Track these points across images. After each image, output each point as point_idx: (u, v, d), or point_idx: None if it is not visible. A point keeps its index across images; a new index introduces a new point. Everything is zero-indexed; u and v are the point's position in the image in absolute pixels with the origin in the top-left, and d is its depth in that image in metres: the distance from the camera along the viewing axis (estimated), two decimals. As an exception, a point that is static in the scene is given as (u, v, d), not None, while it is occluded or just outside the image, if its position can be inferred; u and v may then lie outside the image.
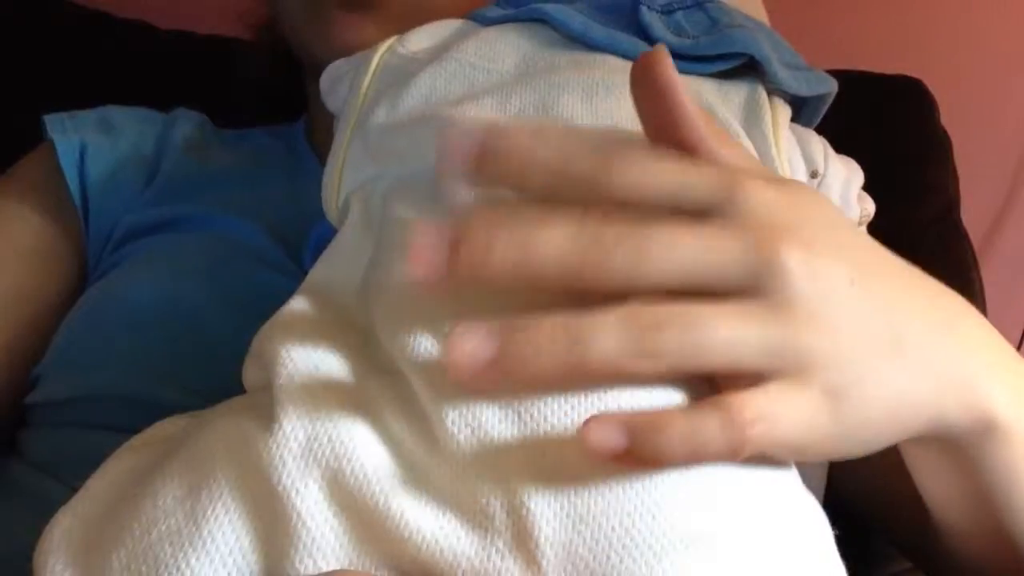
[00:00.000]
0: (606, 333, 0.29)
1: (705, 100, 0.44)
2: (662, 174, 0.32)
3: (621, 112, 0.41)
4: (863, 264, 0.33)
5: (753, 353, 0.30)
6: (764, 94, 0.45)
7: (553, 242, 0.30)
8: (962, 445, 0.36)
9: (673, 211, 0.31)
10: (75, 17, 0.90)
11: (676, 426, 0.29)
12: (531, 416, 0.30)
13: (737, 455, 0.30)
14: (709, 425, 0.29)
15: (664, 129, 0.33)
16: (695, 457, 0.30)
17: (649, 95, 0.33)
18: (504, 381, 0.29)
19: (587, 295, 0.30)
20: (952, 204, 0.84)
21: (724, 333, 0.30)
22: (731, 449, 0.30)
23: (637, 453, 0.29)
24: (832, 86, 0.49)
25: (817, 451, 0.32)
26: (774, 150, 0.43)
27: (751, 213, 0.31)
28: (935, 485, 0.40)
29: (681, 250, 0.30)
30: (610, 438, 0.29)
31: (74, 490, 0.34)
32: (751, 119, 0.44)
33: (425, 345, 0.32)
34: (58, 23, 0.89)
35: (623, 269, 0.30)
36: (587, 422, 0.29)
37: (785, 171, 0.42)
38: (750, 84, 0.46)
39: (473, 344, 0.29)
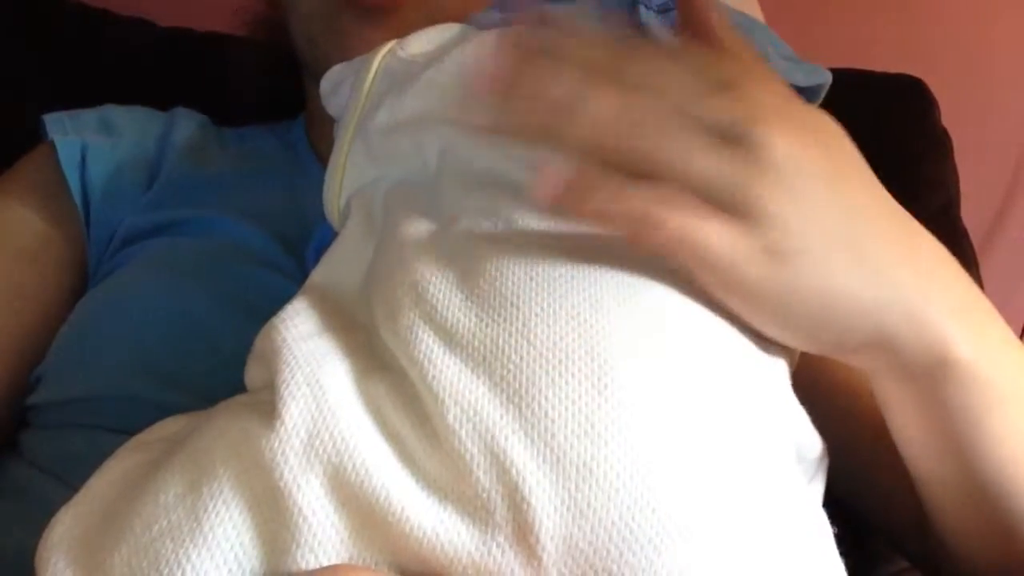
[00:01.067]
0: (606, 102, 0.33)
1: None
2: (684, 56, 0.36)
3: None
4: (845, 174, 0.36)
5: (717, 179, 0.33)
6: None
7: (600, 108, 0.34)
8: (919, 376, 0.37)
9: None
10: (74, 14, 0.90)
11: (605, 187, 0.33)
12: (532, 411, 0.30)
13: (650, 235, 0.33)
14: (634, 195, 0.33)
15: (699, 31, 0.38)
16: (611, 218, 0.33)
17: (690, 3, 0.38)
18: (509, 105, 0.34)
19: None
20: (952, 202, 0.84)
21: (700, 149, 0.33)
22: (646, 224, 0.33)
23: (568, 201, 0.33)
24: (826, 77, 0.50)
25: (744, 295, 0.34)
26: None
27: (760, 93, 0.35)
28: (903, 424, 0.40)
29: (685, 88, 0.34)
30: (552, 182, 0.33)
31: (75, 490, 0.34)
32: None
33: (427, 342, 0.32)
34: (57, 20, 0.89)
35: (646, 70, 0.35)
36: (539, 171, 0.33)
37: None
38: None
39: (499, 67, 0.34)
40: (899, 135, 0.84)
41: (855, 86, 0.81)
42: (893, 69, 0.87)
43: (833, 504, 0.37)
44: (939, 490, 0.41)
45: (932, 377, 0.37)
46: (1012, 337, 0.40)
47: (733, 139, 0.34)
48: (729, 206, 0.33)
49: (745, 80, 0.35)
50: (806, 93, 0.50)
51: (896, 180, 0.81)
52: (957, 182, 0.85)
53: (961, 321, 0.36)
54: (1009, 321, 0.40)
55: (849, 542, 0.36)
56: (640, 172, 0.33)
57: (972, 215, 0.85)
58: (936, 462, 0.40)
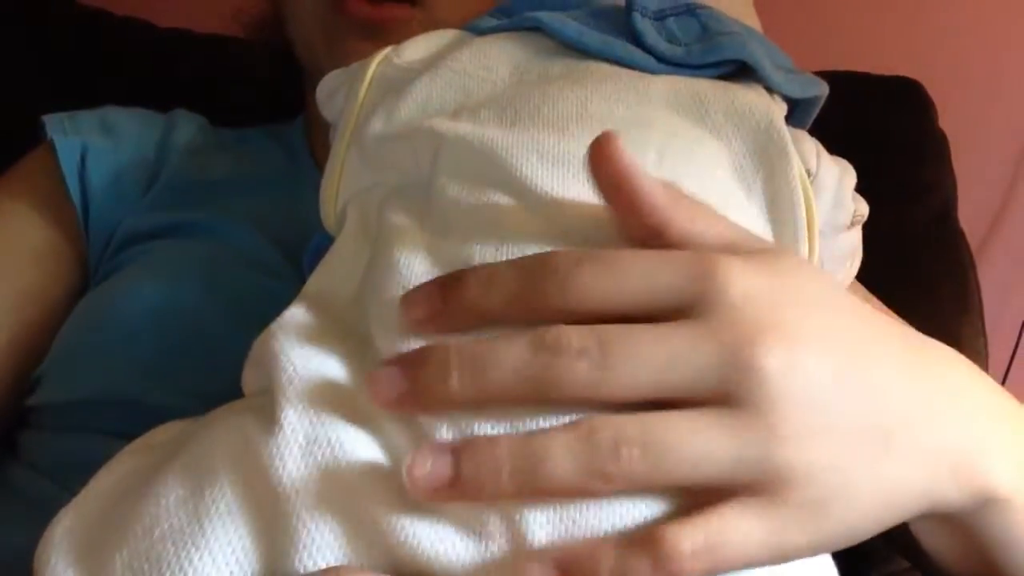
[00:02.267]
0: (563, 453, 0.28)
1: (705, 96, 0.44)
2: (626, 279, 0.30)
3: (614, 117, 0.41)
4: (850, 348, 0.32)
5: (723, 469, 0.29)
6: (764, 90, 0.46)
7: (510, 359, 0.29)
8: (961, 517, 0.35)
9: (648, 315, 0.30)
10: (74, 14, 0.90)
11: (605, 563, 0.28)
12: (522, 421, 0.31)
13: None
14: (639, 565, 0.28)
15: (628, 215, 0.33)
16: None
17: (606, 184, 0.32)
18: (463, 499, 0.29)
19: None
20: (950, 204, 0.84)
21: (691, 449, 0.28)
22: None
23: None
24: (823, 89, 0.50)
25: (792, 557, 0.30)
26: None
27: (728, 308, 0.30)
28: (935, 546, 0.39)
29: (650, 358, 0.29)
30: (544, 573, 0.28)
31: (72, 493, 0.34)
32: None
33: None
34: (57, 20, 0.89)
35: (586, 380, 0.29)
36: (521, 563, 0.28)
37: (796, 160, 0.42)
38: (746, 85, 0.46)
39: (431, 464, 0.29)
40: (897, 137, 0.84)
41: (853, 88, 0.81)
42: (891, 71, 0.87)
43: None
44: None
45: (974, 513, 0.35)
46: None
47: (722, 397, 0.29)
48: (745, 488, 0.29)
49: (703, 287, 0.30)
50: (802, 105, 0.50)
51: (894, 182, 0.82)
52: (955, 184, 0.85)
53: (998, 451, 0.35)
54: (1006, 322, 0.40)
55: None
56: (643, 486, 0.29)
57: (970, 217, 0.86)
58: (967, 570, 0.39)
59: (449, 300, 0.31)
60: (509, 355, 0.29)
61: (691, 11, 0.49)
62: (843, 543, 0.31)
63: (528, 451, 0.28)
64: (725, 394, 0.29)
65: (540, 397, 0.29)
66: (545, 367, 0.29)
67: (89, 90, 0.74)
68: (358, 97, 0.44)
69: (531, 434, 0.29)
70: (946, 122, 0.86)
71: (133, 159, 0.63)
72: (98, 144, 0.63)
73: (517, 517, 0.29)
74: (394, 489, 0.30)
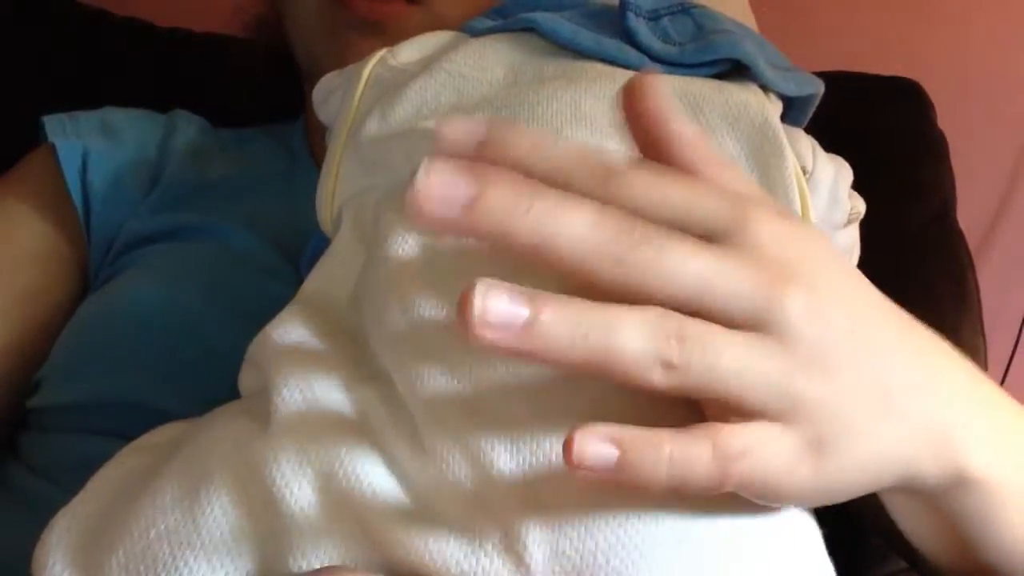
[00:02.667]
0: (634, 329, 0.28)
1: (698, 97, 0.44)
2: (671, 190, 0.30)
3: (608, 117, 0.41)
4: (861, 313, 0.33)
5: (757, 387, 0.29)
6: (759, 89, 0.46)
7: (576, 225, 0.28)
8: (935, 495, 0.36)
9: (681, 229, 0.30)
10: (73, 15, 0.90)
11: (666, 446, 0.28)
12: (517, 422, 0.31)
13: (719, 488, 0.29)
14: (699, 451, 0.28)
15: (662, 154, 0.33)
16: (679, 483, 0.28)
17: (642, 123, 0.32)
18: (522, 350, 0.27)
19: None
20: (948, 204, 0.84)
21: (736, 361, 0.29)
22: (715, 480, 0.29)
23: (623, 472, 0.27)
24: (819, 87, 0.50)
25: (790, 499, 0.31)
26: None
27: (760, 246, 0.30)
28: (912, 527, 0.40)
29: (695, 267, 0.29)
30: (598, 453, 0.27)
31: (72, 494, 0.34)
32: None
33: (413, 352, 0.33)
34: (56, 21, 0.89)
35: (639, 271, 0.28)
36: (573, 432, 0.27)
37: (791, 157, 0.42)
38: (741, 84, 0.46)
39: (500, 305, 0.27)
40: (896, 138, 0.84)
41: (852, 88, 0.81)
42: (890, 71, 0.87)
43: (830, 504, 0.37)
44: (941, 564, 0.41)
45: (947, 491, 0.36)
46: (1018, 420, 0.39)
47: (748, 324, 0.30)
48: (767, 409, 0.30)
49: (742, 222, 0.31)
50: (798, 103, 0.50)
51: (893, 182, 0.82)
52: (954, 185, 0.85)
53: (976, 433, 0.35)
54: (1006, 323, 0.40)
55: (848, 542, 0.36)
56: (692, 386, 0.29)
57: (969, 218, 0.85)
58: (944, 553, 0.40)
59: (494, 157, 0.29)
60: (576, 218, 0.28)
61: (685, 10, 0.49)
62: (836, 495, 0.32)
63: (602, 315, 0.28)
64: (755, 321, 0.30)
65: (595, 266, 0.28)
66: (611, 239, 0.28)
67: (89, 90, 0.74)
68: (354, 99, 0.44)
69: (607, 306, 0.28)
70: (945, 122, 0.86)
71: (134, 161, 0.63)
72: (99, 146, 0.63)
73: (519, 531, 0.29)
74: (387, 489, 0.30)
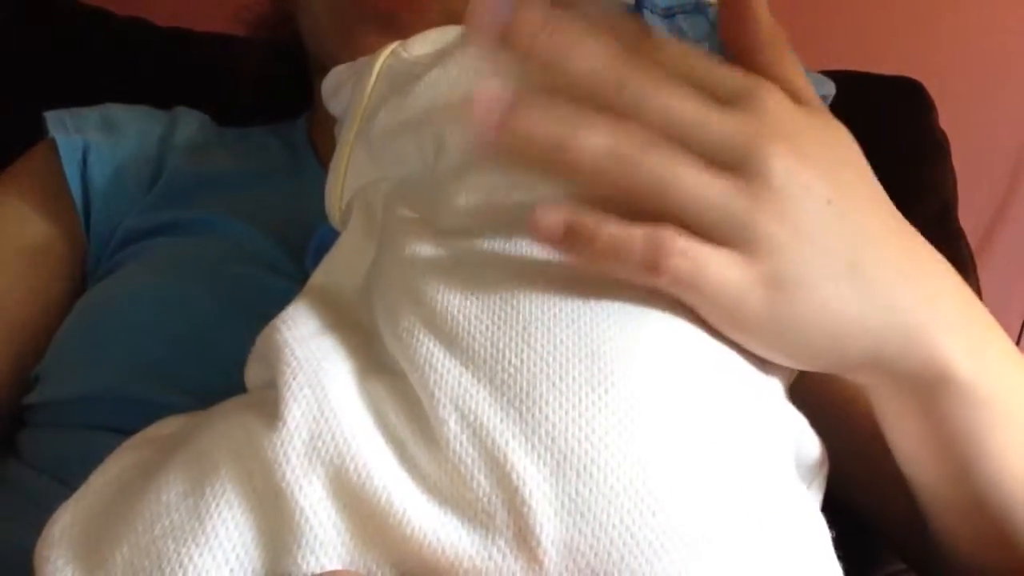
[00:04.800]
0: (600, 129, 0.32)
1: None
2: (696, 59, 0.35)
3: None
4: (847, 192, 0.35)
5: (713, 210, 0.33)
6: None
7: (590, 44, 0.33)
8: (917, 392, 0.37)
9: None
10: (75, 14, 0.90)
11: (606, 231, 0.32)
12: (532, 415, 0.30)
13: (652, 278, 0.32)
14: (635, 237, 0.32)
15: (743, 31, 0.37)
16: (614, 261, 0.32)
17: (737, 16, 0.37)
18: (508, 135, 0.32)
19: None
20: (949, 205, 0.84)
21: (697, 181, 0.33)
22: (646, 267, 0.32)
23: (569, 244, 0.32)
24: (830, 88, 0.50)
25: (745, 328, 0.34)
26: None
27: (764, 111, 0.34)
28: (902, 440, 0.40)
29: (692, 105, 0.33)
30: (552, 225, 0.32)
31: (72, 490, 0.34)
32: None
33: (427, 345, 0.32)
34: (58, 19, 0.89)
35: (637, 97, 0.33)
36: (536, 211, 0.32)
37: None
38: None
39: (496, 96, 0.32)
40: (897, 137, 0.84)
41: (853, 88, 0.81)
42: (891, 71, 0.87)
43: (830, 505, 0.37)
44: (937, 501, 0.41)
45: (931, 394, 0.36)
46: (1013, 352, 0.39)
47: (732, 165, 0.33)
48: (728, 238, 0.33)
49: (754, 93, 0.34)
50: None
51: (894, 182, 0.81)
52: (955, 184, 0.85)
53: (960, 337, 0.36)
54: (1006, 323, 0.40)
55: (847, 544, 0.36)
56: (637, 206, 0.33)
57: (970, 217, 0.86)
58: (934, 476, 0.40)
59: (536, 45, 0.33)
60: (589, 38, 0.34)
61: (700, 8, 0.49)
62: (791, 340, 0.34)
63: (573, 117, 0.33)
64: (736, 164, 0.33)
65: (601, 80, 0.33)
66: (619, 57, 0.34)
67: (89, 90, 0.73)
68: (365, 91, 0.44)
69: (579, 110, 0.33)
70: (946, 122, 0.86)
71: (135, 157, 0.63)
72: (100, 142, 0.63)
73: (524, 508, 0.29)
74: (400, 483, 0.30)
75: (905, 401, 0.38)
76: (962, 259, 0.82)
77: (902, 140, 0.84)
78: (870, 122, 0.82)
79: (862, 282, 0.34)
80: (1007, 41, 1.12)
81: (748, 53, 0.36)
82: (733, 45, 0.37)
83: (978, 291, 0.80)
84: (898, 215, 0.37)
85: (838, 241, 0.34)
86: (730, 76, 0.35)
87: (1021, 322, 1.07)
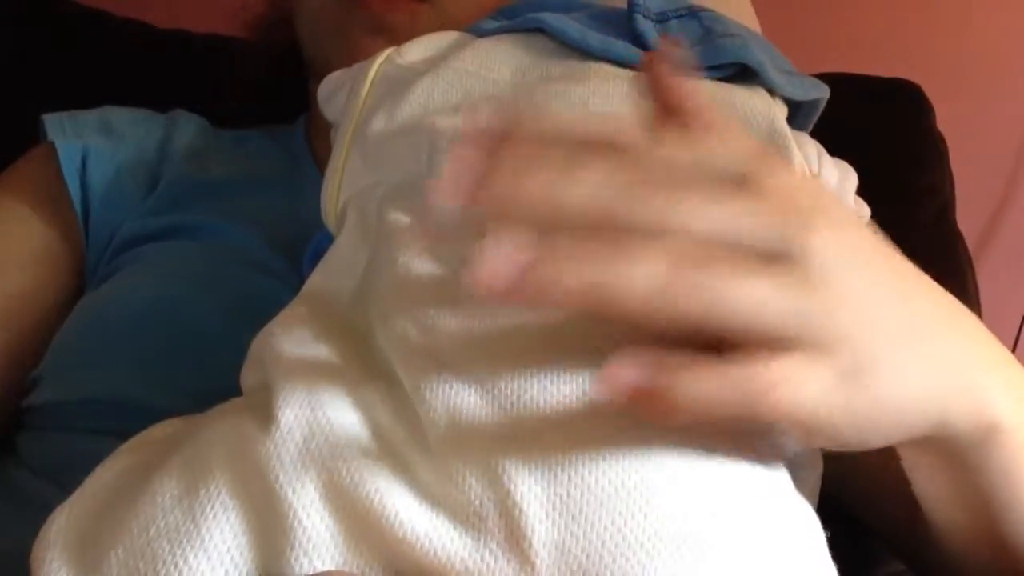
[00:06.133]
0: (650, 257, 0.28)
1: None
2: (691, 144, 0.31)
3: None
4: (879, 253, 0.33)
5: (780, 318, 0.29)
6: (765, 93, 0.46)
7: (595, 169, 0.29)
8: (962, 447, 0.35)
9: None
10: (74, 16, 0.90)
11: (703, 369, 0.28)
12: (523, 418, 0.31)
13: (756, 416, 0.29)
14: (736, 375, 0.28)
15: (683, 114, 0.33)
16: (717, 407, 0.28)
17: (661, 88, 0.33)
18: (534, 295, 0.28)
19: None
20: (947, 206, 0.84)
21: (757, 291, 0.29)
22: (752, 407, 0.28)
23: (660, 394, 0.28)
24: (824, 92, 0.50)
25: (825, 434, 0.31)
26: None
27: (781, 189, 0.31)
28: (932, 487, 0.39)
29: (719, 204, 0.30)
30: (633, 375, 0.28)
31: (70, 492, 0.34)
32: None
33: (420, 351, 0.33)
34: (57, 21, 0.89)
35: (661, 204, 0.29)
36: (610, 366, 0.27)
37: (799, 158, 0.43)
38: (748, 87, 0.46)
39: (508, 252, 0.27)
40: (895, 139, 0.84)
41: (852, 90, 0.81)
42: (889, 73, 0.87)
43: (829, 504, 0.37)
44: (957, 535, 0.41)
45: (976, 447, 0.35)
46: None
47: (772, 256, 0.30)
48: (795, 341, 0.29)
49: (756, 169, 0.31)
50: (804, 108, 0.50)
51: (892, 184, 0.82)
52: (953, 185, 0.85)
53: (1002, 382, 0.35)
54: (1005, 323, 0.40)
55: (845, 543, 0.36)
56: (700, 326, 0.29)
57: (967, 219, 0.86)
58: (961, 516, 0.40)
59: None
60: (595, 164, 0.29)
61: (693, 13, 0.49)
62: (869, 432, 0.32)
63: (614, 245, 0.28)
64: (780, 255, 0.30)
65: (614, 209, 0.29)
66: (627, 182, 0.29)
67: (88, 91, 0.74)
68: (360, 96, 0.44)
69: (617, 236, 0.28)
70: (944, 123, 0.86)
71: (134, 161, 0.63)
72: (99, 146, 0.63)
73: (516, 511, 0.29)
74: (392, 486, 0.30)
75: (943, 456, 0.36)
76: (960, 260, 0.82)
77: (900, 142, 0.84)
78: (869, 124, 0.83)
79: (922, 347, 0.32)
80: (1006, 43, 1.12)
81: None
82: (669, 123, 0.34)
83: (976, 292, 0.80)
84: (918, 270, 0.36)
85: (892, 306, 0.32)
86: (732, 155, 0.32)
87: (1020, 322, 1.07)
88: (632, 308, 0.28)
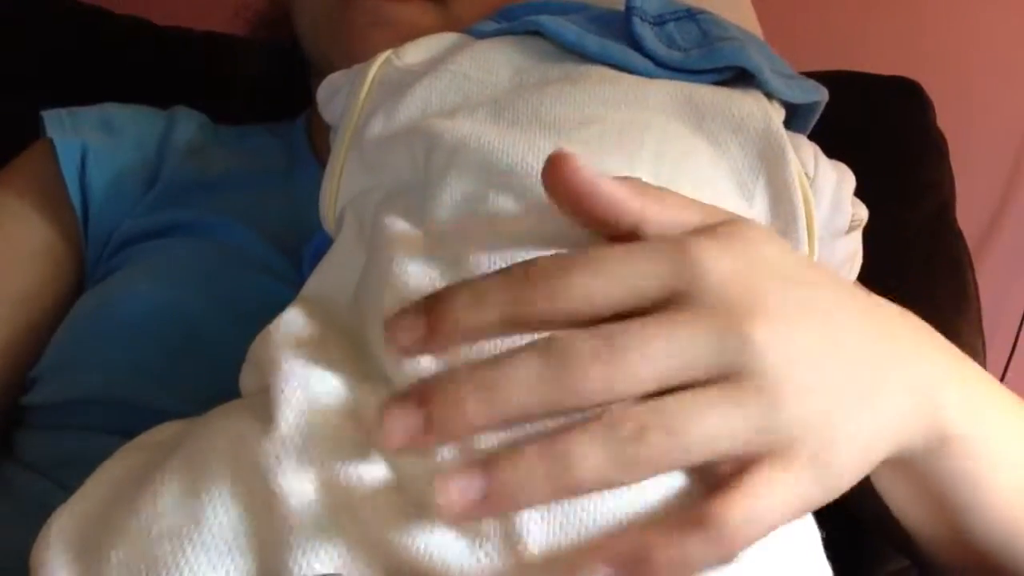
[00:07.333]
0: (590, 449, 0.28)
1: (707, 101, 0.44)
2: (612, 279, 0.31)
3: (610, 120, 0.41)
4: (820, 316, 0.33)
5: (740, 440, 0.30)
6: (762, 96, 0.46)
7: (522, 376, 0.29)
8: (918, 458, 0.37)
9: (636, 308, 0.31)
10: (74, 12, 0.90)
11: (663, 553, 0.28)
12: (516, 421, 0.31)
13: (728, 562, 0.29)
14: (694, 547, 0.28)
15: (602, 225, 0.33)
16: (700, 566, 0.29)
17: (571, 200, 0.33)
18: (497, 511, 0.29)
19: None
20: (948, 204, 0.84)
21: (708, 426, 0.29)
22: (721, 560, 0.29)
23: (655, 570, 0.28)
24: (823, 95, 0.50)
25: (802, 514, 0.32)
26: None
27: (711, 293, 0.31)
28: (896, 494, 0.41)
29: (655, 350, 0.29)
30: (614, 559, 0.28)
31: (69, 491, 0.34)
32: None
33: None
34: (57, 18, 0.89)
35: (602, 383, 0.29)
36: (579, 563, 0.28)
37: (795, 162, 0.43)
38: (745, 91, 0.46)
39: (460, 485, 0.28)
40: (895, 137, 0.84)
41: (851, 88, 0.81)
42: (889, 71, 0.87)
43: (830, 504, 0.37)
44: (929, 539, 0.42)
45: (929, 456, 0.37)
46: (997, 392, 0.40)
47: (719, 374, 0.30)
48: (762, 452, 0.30)
49: (679, 274, 0.31)
50: (802, 111, 0.50)
51: (892, 182, 0.82)
52: (953, 184, 0.85)
53: (951, 394, 0.37)
54: (1004, 323, 0.41)
55: (846, 542, 0.36)
56: (671, 468, 0.30)
57: (968, 217, 0.85)
58: (926, 521, 0.41)
59: (435, 323, 0.30)
60: (520, 372, 0.29)
61: (691, 16, 0.49)
62: (840, 491, 0.33)
63: (556, 453, 0.28)
64: (725, 371, 0.30)
65: (558, 408, 0.29)
66: (559, 378, 0.29)
67: (89, 90, 0.73)
68: (359, 99, 0.44)
69: (554, 436, 0.29)
70: (945, 122, 0.86)
71: (134, 158, 0.63)
72: (98, 143, 0.62)
73: (519, 529, 0.29)
74: (388, 490, 0.30)
75: (898, 468, 0.38)
76: (960, 259, 0.82)
77: (900, 140, 0.84)
78: (868, 122, 0.83)
79: (873, 397, 0.33)
80: (1006, 41, 1.12)
81: (616, 225, 0.33)
82: (592, 225, 0.33)
83: (976, 292, 0.80)
84: (843, 282, 0.36)
85: (840, 373, 0.32)
86: (655, 271, 0.31)
87: (1019, 322, 1.07)
88: (596, 487, 0.29)
